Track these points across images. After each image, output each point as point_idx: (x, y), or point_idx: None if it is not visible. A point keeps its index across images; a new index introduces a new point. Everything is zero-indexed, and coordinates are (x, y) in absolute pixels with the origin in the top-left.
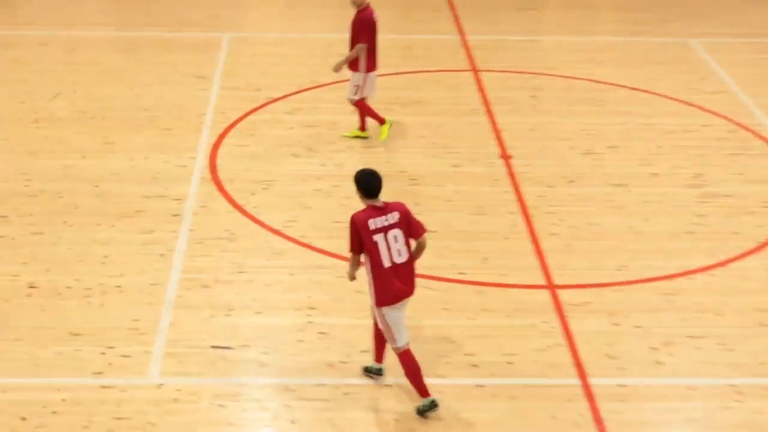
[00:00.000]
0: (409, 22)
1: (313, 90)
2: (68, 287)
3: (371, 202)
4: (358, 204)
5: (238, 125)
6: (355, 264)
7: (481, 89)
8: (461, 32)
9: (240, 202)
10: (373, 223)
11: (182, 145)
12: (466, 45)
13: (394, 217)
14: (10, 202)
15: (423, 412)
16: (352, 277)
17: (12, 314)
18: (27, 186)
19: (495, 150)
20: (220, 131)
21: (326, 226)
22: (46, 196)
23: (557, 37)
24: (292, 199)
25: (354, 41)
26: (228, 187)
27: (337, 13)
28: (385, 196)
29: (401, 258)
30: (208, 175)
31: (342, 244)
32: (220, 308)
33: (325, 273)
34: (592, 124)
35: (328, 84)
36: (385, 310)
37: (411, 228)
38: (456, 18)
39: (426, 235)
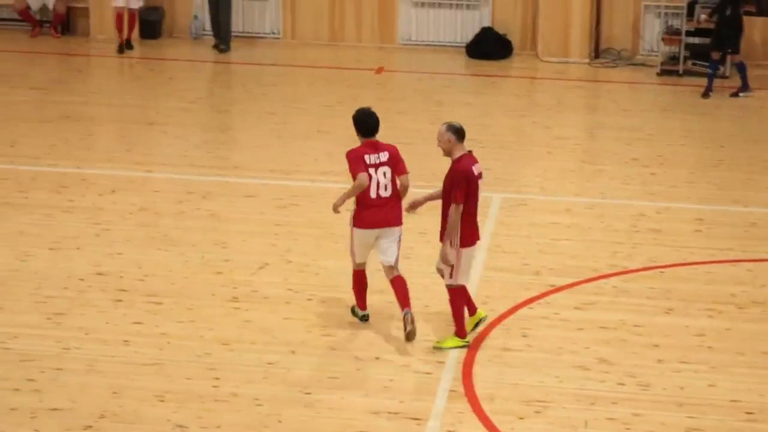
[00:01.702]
0: (750, 190)
1: (612, 278)
2: None
3: (367, 139)
4: None
5: (505, 321)
6: (353, 195)
7: None
8: None
9: (502, 428)
10: (368, 158)
11: (427, 344)
12: None
13: (384, 155)
14: (190, 408)
15: (355, 315)
16: (337, 208)
17: None
18: (216, 387)
19: None
20: (481, 328)
21: None
22: (241, 402)
23: None
24: (572, 430)
25: (446, 202)
26: (486, 407)
27: (652, 172)
28: None
29: (386, 192)
30: (459, 388)
31: None
32: None
33: None
34: None
35: (634, 270)
36: (356, 231)
37: (397, 167)
38: None
39: (408, 176)
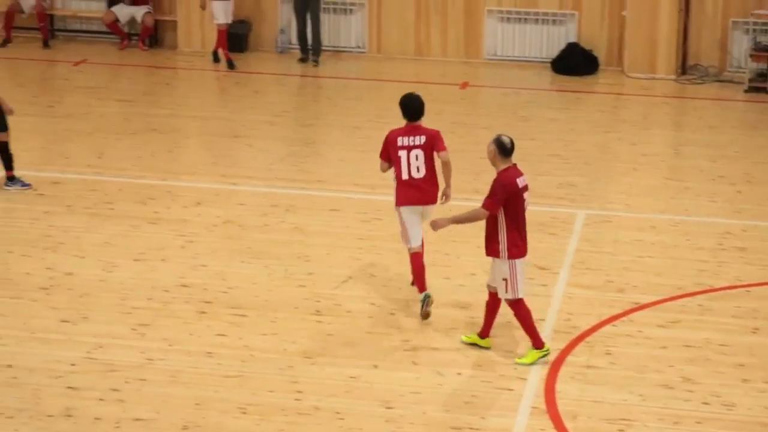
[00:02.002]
0: None
1: (698, 296)
2: None
3: (409, 123)
4: None
5: (589, 338)
6: (383, 169)
7: None
8: None
9: None
10: (401, 141)
11: (509, 360)
12: None
13: (421, 139)
14: (273, 421)
15: (422, 303)
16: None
17: None
18: (298, 401)
19: None
20: (563, 345)
21: None
22: (323, 416)
23: None
24: None
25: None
26: (569, 425)
27: (738, 190)
28: None
29: (419, 174)
30: (542, 405)
31: None
32: None
33: None
34: None
35: (720, 289)
36: (401, 209)
37: (435, 146)
38: None
39: (447, 153)
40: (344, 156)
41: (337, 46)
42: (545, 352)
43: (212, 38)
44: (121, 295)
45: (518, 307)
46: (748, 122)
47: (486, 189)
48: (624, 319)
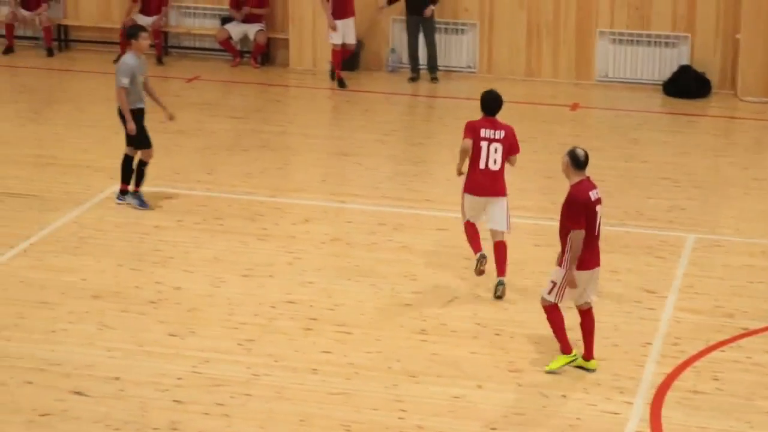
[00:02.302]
0: None
1: None
2: None
3: (487, 117)
4: None
5: (697, 363)
6: (462, 158)
7: None
8: None
9: None
10: (484, 132)
11: (615, 383)
12: None
13: (500, 133)
14: None
15: (477, 263)
16: (459, 172)
17: None
18: (402, 419)
19: None
20: (670, 369)
21: None
22: None
23: None
24: None
25: (562, 227)
26: None
27: None
28: None
29: (495, 166)
30: (647, 430)
31: None
32: None
33: None
34: None
35: None
36: (466, 195)
37: (511, 147)
38: None
39: (517, 156)
40: (453, 176)
41: (448, 66)
42: (573, 358)
43: (324, 56)
44: (228, 311)
45: (553, 311)
46: None
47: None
48: (733, 344)
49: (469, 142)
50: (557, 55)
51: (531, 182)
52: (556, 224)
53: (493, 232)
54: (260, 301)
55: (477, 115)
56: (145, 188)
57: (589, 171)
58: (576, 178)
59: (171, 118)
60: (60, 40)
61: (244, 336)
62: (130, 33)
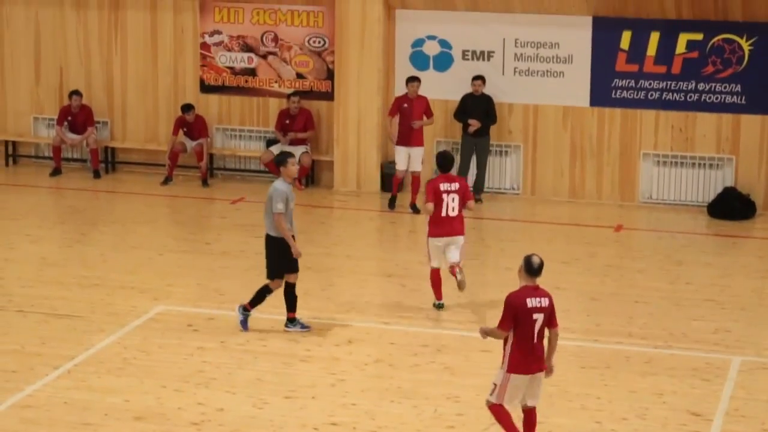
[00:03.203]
0: None
1: None
2: None
3: (443, 173)
4: None
5: None
6: (429, 212)
7: None
8: None
9: None
10: (442, 186)
11: None
12: None
13: (455, 185)
14: None
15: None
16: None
17: None
18: None
19: None
20: None
21: None
22: None
23: None
24: None
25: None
26: None
27: None
28: None
29: (453, 213)
30: None
31: None
32: None
33: None
34: None
35: None
36: (430, 240)
37: (465, 195)
38: None
39: (473, 201)
40: (495, 297)
41: (492, 188)
42: None
43: (367, 177)
44: None
45: (498, 411)
46: None
47: (640, 333)
48: None
49: (429, 205)
50: (601, 176)
51: (575, 304)
52: (601, 346)
53: (451, 265)
54: (303, 423)
55: (521, 235)
56: (188, 309)
57: (635, 293)
58: (522, 282)
59: (298, 255)
60: (107, 162)
61: None
62: (279, 160)
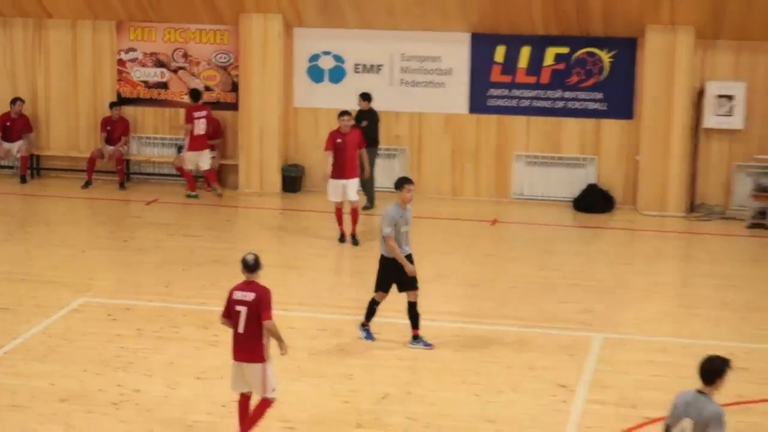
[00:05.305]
0: None
1: None
2: None
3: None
4: None
5: None
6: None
7: None
8: None
9: None
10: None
11: None
12: None
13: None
14: None
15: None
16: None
17: None
18: None
19: None
20: None
21: None
22: None
23: None
24: None
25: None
26: None
27: (742, 316)
28: None
29: (240, 330)
30: None
31: None
32: None
33: None
34: None
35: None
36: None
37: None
38: None
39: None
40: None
41: (382, 187)
42: None
43: (269, 179)
44: (183, 410)
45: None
46: (750, 255)
47: (514, 314)
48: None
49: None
50: (478, 176)
51: (456, 289)
52: (480, 327)
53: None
54: (212, 400)
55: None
56: (108, 301)
57: (509, 279)
58: (243, 278)
59: (411, 273)
60: (32, 168)
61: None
62: (397, 184)
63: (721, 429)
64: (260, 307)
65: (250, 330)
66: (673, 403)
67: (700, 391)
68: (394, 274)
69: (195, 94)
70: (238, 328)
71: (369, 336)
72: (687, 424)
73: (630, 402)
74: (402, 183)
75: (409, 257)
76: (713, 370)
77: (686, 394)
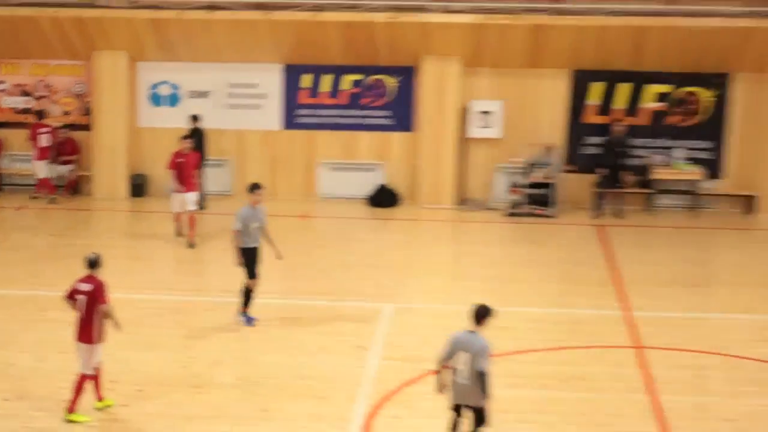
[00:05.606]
0: (574, 296)
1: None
2: None
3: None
4: None
5: (394, 396)
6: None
7: (643, 366)
8: (627, 308)
9: None
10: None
11: (336, 414)
12: (630, 321)
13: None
14: None
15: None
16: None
17: None
18: None
19: (654, 431)
20: (376, 402)
21: None
22: None
23: (726, 315)
24: None
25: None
26: None
27: (508, 286)
28: None
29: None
30: None
31: None
32: None
33: None
34: (761, 405)
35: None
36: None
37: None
38: (622, 293)
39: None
40: (224, 269)
41: (213, 191)
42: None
43: (117, 187)
44: (51, 380)
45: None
46: (509, 238)
47: (322, 290)
48: (420, 381)
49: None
50: (291, 180)
51: (274, 272)
52: (295, 302)
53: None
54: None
55: (226, 223)
56: None
57: (317, 263)
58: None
59: (279, 257)
60: None
61: (64, 398)
62: (249, 189)
63: (487, 358)
64: (97, 295)
65: (88, 316)
66: (449, 341)
67: (470, 331)
68: (254, 261)
69: (39, 113)
70: (77, 312)
71: (249, 321)
72: (462, 356)
73: (415, 358)
74: (253, 188)
75: (256, 249)
76: (481, 312)
77: (459, 334)
